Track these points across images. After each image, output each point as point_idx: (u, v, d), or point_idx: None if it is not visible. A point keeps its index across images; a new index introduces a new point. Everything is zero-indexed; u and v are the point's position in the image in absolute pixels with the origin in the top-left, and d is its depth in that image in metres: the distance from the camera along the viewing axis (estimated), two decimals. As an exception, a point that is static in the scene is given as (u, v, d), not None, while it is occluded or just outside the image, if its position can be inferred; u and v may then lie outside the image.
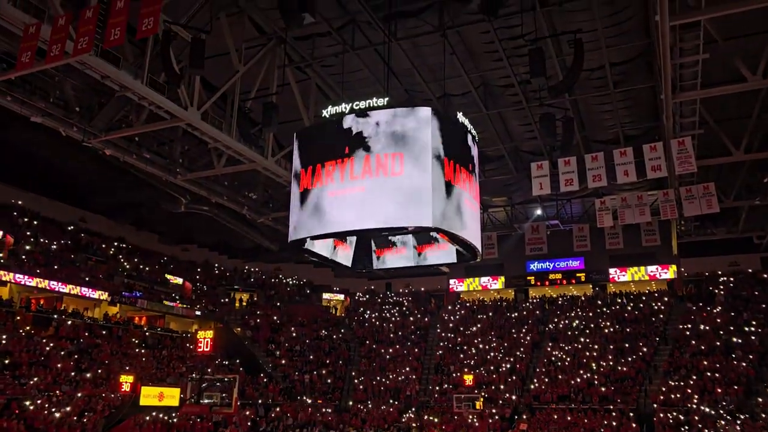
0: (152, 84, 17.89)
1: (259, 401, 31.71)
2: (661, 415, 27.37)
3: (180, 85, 18.32)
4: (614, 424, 27.77)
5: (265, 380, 34.34)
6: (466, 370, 33.95)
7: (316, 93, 23.22)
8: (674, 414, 27.23)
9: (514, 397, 31.68)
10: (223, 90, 20.21)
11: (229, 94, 21.15)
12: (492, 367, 34.33)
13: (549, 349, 34.62)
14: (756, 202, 28.44)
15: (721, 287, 36.01)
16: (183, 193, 29.09)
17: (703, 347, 31.40)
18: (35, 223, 34.87)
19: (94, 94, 20.31)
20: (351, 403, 33.90)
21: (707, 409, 26.94)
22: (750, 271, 36.47)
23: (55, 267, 32.33)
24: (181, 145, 24.80)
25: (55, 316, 30.11)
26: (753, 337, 31.08)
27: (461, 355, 36.17)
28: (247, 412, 29.75)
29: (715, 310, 34.08)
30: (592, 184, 21.65)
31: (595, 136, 26.96)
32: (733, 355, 30.15)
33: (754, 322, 32.06)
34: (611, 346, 33.42)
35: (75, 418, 23.25)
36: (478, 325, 38.67)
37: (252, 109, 21.33)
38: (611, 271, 38.63)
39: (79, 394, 24.83)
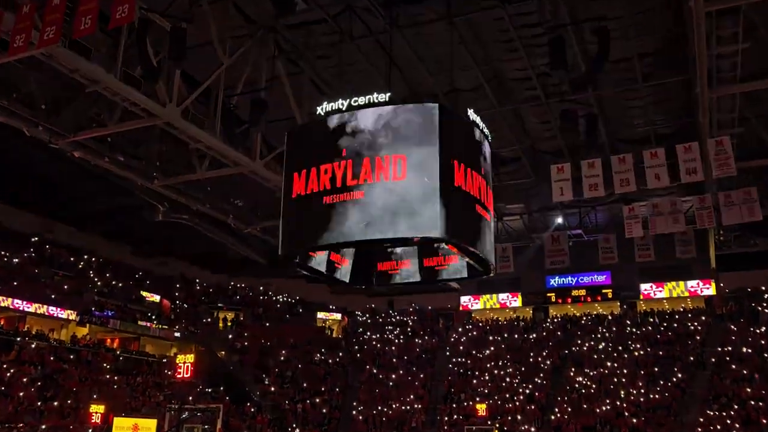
0: (126, 78, 17.96)
1: (246, 434, 31.64)
2: (699, 449, 27.26)
3: (158, 80, 18.38)
4: (646, 459, 27.66)
5: (252, 410, 34.22)
6: (478, 398, 33.84)
7: (310, 88, 23.27)
8: (714, 448, 27.12)
9: (532, 429, 31.54)
10: (206, 85, 20.24)
11: (213, 90, 21.19)
12: (508, 396, 34.20)
13: (572, 374, 34.49)
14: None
15: (766, 305, 35.90)
16: (161, 200, 29.10)
17: (745, 372, 31.27)
18: (-5, 233, 34.96)
19: (62, 89, 20.38)
20: (349, 435, 33.81)
21: (751, 443, 26.81)
22: (798, 286, 36.45)
23: (17, 283, 32.33)
24: (159, 146, 24.81)
25: (18, 338, 30.08)
26: (802, 361, 30.98)
27: (473, 382, 36.05)
28: (233, 447, 29.68)
29: (758, 331, 33.97)
30: (620, 189, 21.64)
31: (622, 136, 26.94)
32: (780, 381, 30.06)
33: (802, 344, 31.98)
34: (642, 372, 33.30)
35: (39, 453, 23.19)
36: (492, 348, 38.57)
37: (238, 107, 21.35)
38: (642, 286, 38.57)
39: (44, 426, 24.77)
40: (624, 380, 33.05)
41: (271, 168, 23.62)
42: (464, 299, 42.74)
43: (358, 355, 40.72)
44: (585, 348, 36.39)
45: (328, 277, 14.29)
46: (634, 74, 22.39)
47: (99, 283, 37.71)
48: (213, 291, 44.59)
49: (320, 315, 45.35)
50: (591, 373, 34.14)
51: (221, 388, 35.16)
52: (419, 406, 35.21)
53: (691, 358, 33.25)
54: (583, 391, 33.04)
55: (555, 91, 22.38)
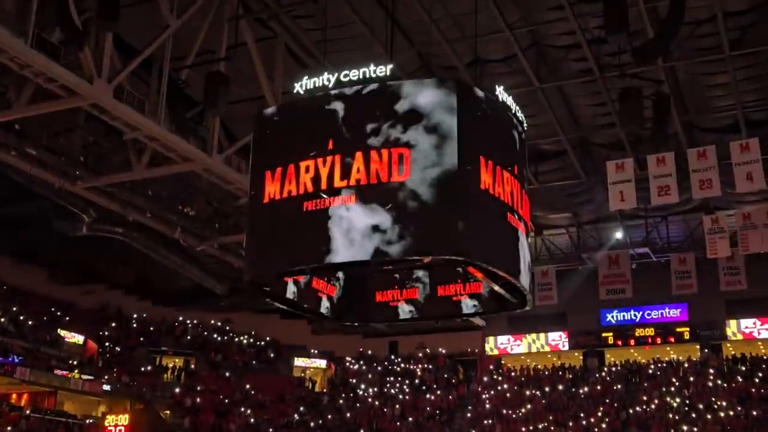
0: (41, 45, 17.94)
1: None
2: None
3: (83, 48, 18.41)
4: None
5: (207, 490, 34.03)
6: (511, 474, 33.67)
7: (286, 58, 23.32)
8: None
9: None
10: (147, 54, 20.27)
11: (156, 61, 21.22)
12: (550, 470, 34.04)
13: (636, 442, 34.37)
14: None
15: None
16: (85, 207, 29.09)
17: None
18: None
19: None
20: None
21: None
22: None
23: None
24: (84, 136, 24.80)
25: None
26: None
27: (504, 452, 35.89)
28: None
29: None
30: (699, 194, 21.68)
31: (702, 122, 26.97)
32: None
33: None
34: (730, 438, 33.19)
35: None
36: (529, 406, 38.43)
37: (189, 83, 21.39)
38: (730, 324, 38.48)
39: None
40: (706, 450, 32.93)
41: (233, 165, 23.61)
42: (501, 340, 42.72)
43: (348, 415, 40.55)
44: (653, 406, 36.24)
45: (309, 311, 14.24)
46: (718, 41, 22.43)
47: (2, 320, 37.57)
48: (155, 329, 44.42)
49: (298, 362, 45.15)
50: (662, 441, 34.04)
51: (165, 461, 34.98)
52: (431, 484, 35.03)
53: (797, 421, 33.13)
54: (652, 464, 32.92)
55: (612, 63, 22.37)
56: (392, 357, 45.21)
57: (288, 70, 22.89)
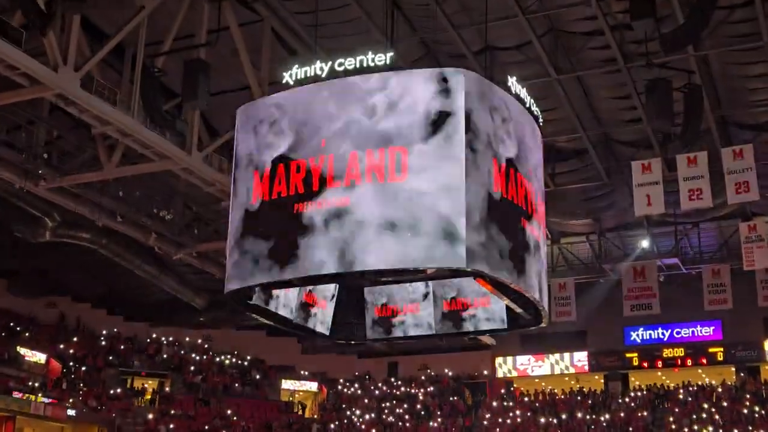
0: (0, 29, 17.98)
1: None
2: None
3: (47, 32, 18.42)
4: None
5: None
6: None
7: (273, 44, 23.35)
8: None
9: None
10: (118, 40, 20.28)
11: (128, 47, 21.23)
12: (567, 507, 34.02)
13: (664, 475, 34.37)
14: None
15: None
16: (48, 210, 29.09)
17: None
18: None
19: None
20: None
21: None
22: None
23: None
24: (48, 130, 24.79)
25: None
26: None
27: (515, 486, 35.87)
28: None
29: None
30: (735, 199, 21.70)
31: (738, 118, 27.00)
32: None
33: None
34: (769, 472, 33.18)
35: None
36: (544, 435, 38.44)
37: (166, 72, 21.41)
38: (768, 343, 38.49)
39: None
40: (742, 484, 32.94)
41: (214, 164, 23.63)
42: (520, 361, 42.73)
43: (343, 444, 40.56)
44: (683, 435, 36.26)
45: (299, 328, 14.25)
46: (756, 27, 22.48)
47: (-45, 335, 37.59)
48: (126, 348, 44.37)
49: (286, 384, 45.07)
50: (692, 474, 34.06)
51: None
52: None
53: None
54: (681, 500, 32.92)
55: (638, 52, 22.42)
56: (391, 379, 45.19)
57: (276, 57, 22.93)
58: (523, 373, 43.01)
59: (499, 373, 43.39)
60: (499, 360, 43.10)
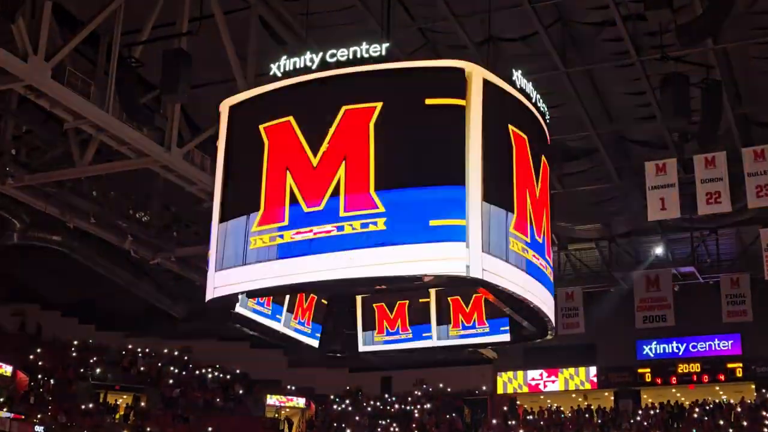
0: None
1: None
2: None
3: (14, 18, 18.38)
4: None
5: None
6: None
7: (261, 33, 23.36)
8: None
9: None
10: (93, 27, 20.25)
11: (104, 35, 21.20)
12: None
13: (678, 500, 34.42)
14: None
15: None
16: (16, 211, 29.05)
17: None
18: None
19: None
20: None
21: None
22: None
23: None
24: (17, 124, 24.75)
25: None
26: None
27: None
28: None
29: None
30: (756, 202, 21.71)
31: (760, 116, 27.06)
32: None
33: None
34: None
35: None
36: (550, 456, 38.47)
37: (143, 63, 21.40)
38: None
39: None
40: None
41: (196, 161, 23.60)
42: (530, 375, 42.74)
43: (333, 465, 40.56)
44: (699, 458, 36.30)
45: (286, 339, 14.25)
46: (780, 17, 22.57)
47: None
48: (99, 359, 44.30)
49: (271, 400, 45.01)
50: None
51: None
52: None
53: None
54: None
55: (653, 44, 22.47)
56: (385, 395, 45.17)
57: (263, 47, 22.92)
58: (534, 389, 42.91)
59: (502, 389, 43.32)
60: (501, 375, 43.00)
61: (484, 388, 43.43)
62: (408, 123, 11.31)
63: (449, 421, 42.37)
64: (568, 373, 42.50)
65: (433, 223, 10.66)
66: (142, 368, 44.46)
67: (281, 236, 11.34)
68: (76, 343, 44.63)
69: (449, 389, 44.03)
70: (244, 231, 11.78)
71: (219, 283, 12.04)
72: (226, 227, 12.06)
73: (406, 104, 11.39)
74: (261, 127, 12.06)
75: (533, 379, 43.09)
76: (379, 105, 11.28)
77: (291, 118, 11.77)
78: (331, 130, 11.40)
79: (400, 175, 11.10)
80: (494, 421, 41.57)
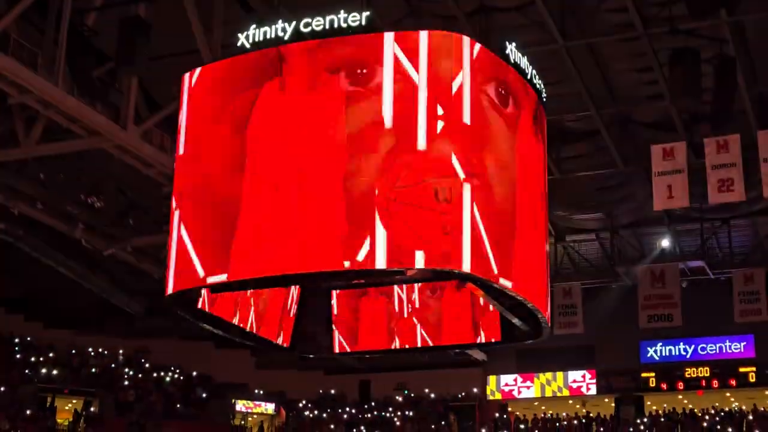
0: None
1: None
2: None
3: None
4: None
5: None
6: None
7: (227, 0, 23.29)
8: None
9: None
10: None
11: (53, 2, 21.09)
12: None
13: None
14: None
15: None
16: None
17: None
18: None
19: None
20: None
21: None
22: None
23: None
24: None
25: None
26: None
27: None
28: None
29: None
30: (772, 191, 21.83)
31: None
32: None
33: None
34: None
35: None
36: (544, 468, 38.65)
37: (97, 32, 21.28)
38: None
39: None
40: None
41: (155, 141, 23.53)
42: (504, 380, 42.92)
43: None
44: (707, 470, 36.56)
45: (254, 339, 14.24)
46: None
47: None
48: (45, 360, 44.24)
49: (239, 405, 45.09)
50: None
51: None
52: None
53: None
54: None
55: (661, 16, 22.51)
56: (363, 401, 45.24)
57: (230, 16, 22.84)
58: (508, 395, 42.97)
59: (491, 395, 43.41)
60: (491, 379, 43.10)
61: (474, 391, 43.48)
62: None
63: (433, 429, 42.51)
64: (546, 377, 42.47)
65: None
66: (93, 369, 44.42)
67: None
68: (17, 340, 44.49)
69: (433, 395, 44.15)
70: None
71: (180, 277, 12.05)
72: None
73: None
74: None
75: (505, 384, 43.13)
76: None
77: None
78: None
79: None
80: (483, 430, 41.68)
